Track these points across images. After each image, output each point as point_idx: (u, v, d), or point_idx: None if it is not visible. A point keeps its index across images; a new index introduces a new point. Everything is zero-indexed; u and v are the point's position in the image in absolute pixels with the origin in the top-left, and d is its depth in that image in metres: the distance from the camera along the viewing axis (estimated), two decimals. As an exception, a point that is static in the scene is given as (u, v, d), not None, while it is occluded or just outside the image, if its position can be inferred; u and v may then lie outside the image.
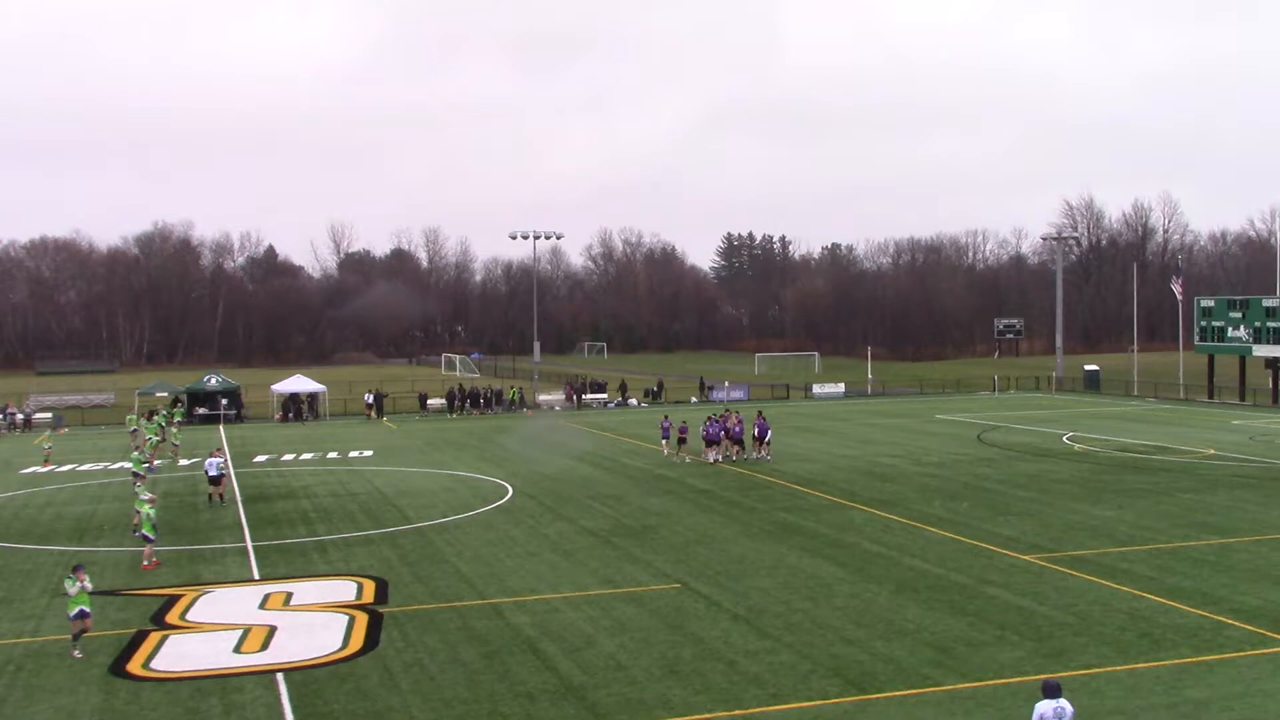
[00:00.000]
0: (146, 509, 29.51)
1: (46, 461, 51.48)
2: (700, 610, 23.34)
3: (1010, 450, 50.59)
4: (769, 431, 48.84)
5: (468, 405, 78.79)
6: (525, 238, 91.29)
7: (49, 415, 75.23)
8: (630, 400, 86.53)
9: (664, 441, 50.83)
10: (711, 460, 46.57)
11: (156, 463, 44.14)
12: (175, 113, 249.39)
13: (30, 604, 25.11)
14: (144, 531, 28.94)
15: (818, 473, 43.80)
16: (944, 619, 22.40)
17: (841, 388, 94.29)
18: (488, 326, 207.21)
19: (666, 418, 53.72)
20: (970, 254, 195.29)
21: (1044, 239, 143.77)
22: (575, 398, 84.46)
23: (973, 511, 34.40)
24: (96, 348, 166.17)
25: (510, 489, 40.61)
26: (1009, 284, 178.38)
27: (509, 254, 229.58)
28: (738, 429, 48.46)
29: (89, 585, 21.64)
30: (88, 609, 21.16)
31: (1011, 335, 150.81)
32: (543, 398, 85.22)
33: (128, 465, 50.33)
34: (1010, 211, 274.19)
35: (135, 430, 61.07)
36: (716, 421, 47.97)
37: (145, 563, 28.61)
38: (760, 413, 53.20)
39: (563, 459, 49.73)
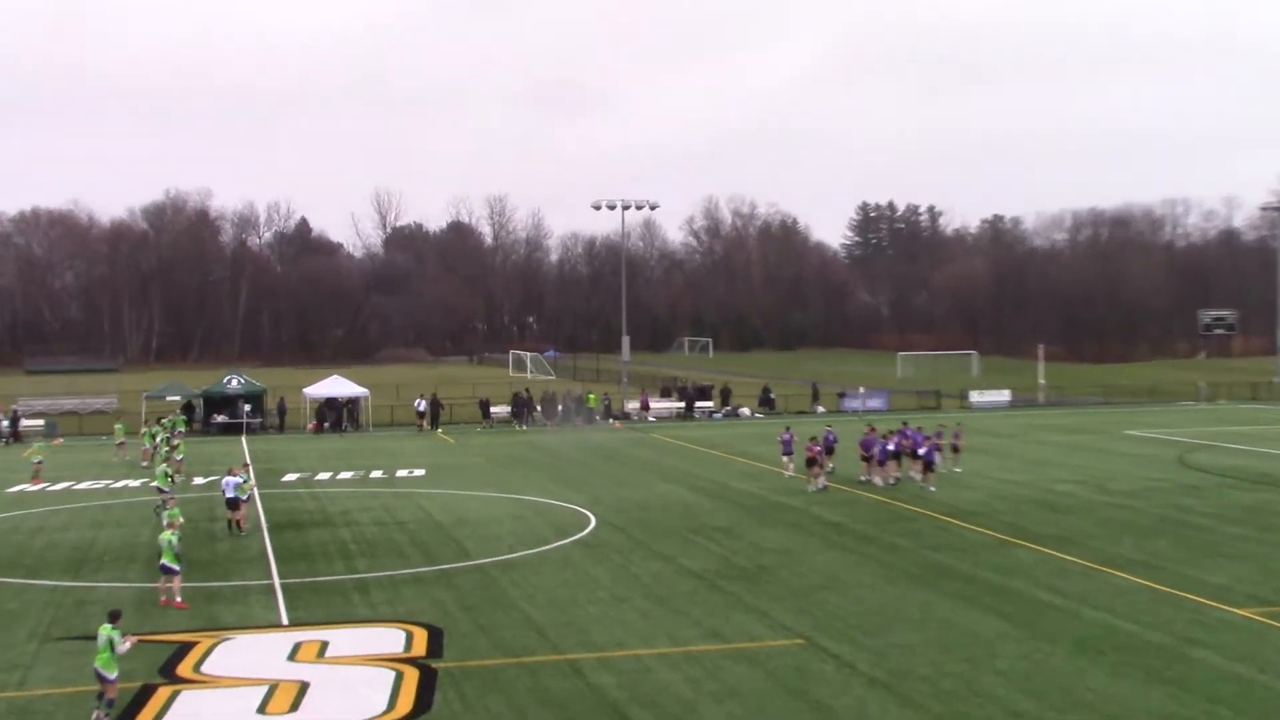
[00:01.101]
0: (166, 535, 29.99)
1: (36, 478, 52.72)
2: (828, 672, 23.19)
3: (1221, 475, 49.69)
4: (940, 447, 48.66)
5: (537, 413, 79.32)
6: (612, 208, 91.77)
7: (40, 423, 77.22)
8: (741, 410, 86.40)
9: (785, 460, 50.80)
10: (888, 482, 47.33)
11: (163, 486, 44.75)
12: (191, 65, 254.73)
13: (17, 650, 25.72)
14: (165, 561, 29.42)
15: (976, 502, 43.44)
16: (1136, 688, 22.00)
17: (1006, 395, 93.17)
18: (565, 318, 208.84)
19: (789, 429, 53.52)
20: (1169, 228, 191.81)
21: (1263, 209, 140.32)
22: (683, 406, 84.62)
23: (1172, 552, 33.83)
24: (97, 341, 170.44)
25: (593, 518, 40.79)
26: (1219, 266, 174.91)
27: (591, 228, 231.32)
28: (882, 448, 48.36)
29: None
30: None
31: (1222, 331, 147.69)
32: (632, 406, 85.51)
33: (132, 484, 51.47)
34: (1219, 176, 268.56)
35: (122, 443, 62.43)
36: (893, 437, 48.95)
37: (164, 598, 29.10)
38: (940, 431, 52.35)
39: (655, 480, 49.90)
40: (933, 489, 45.78)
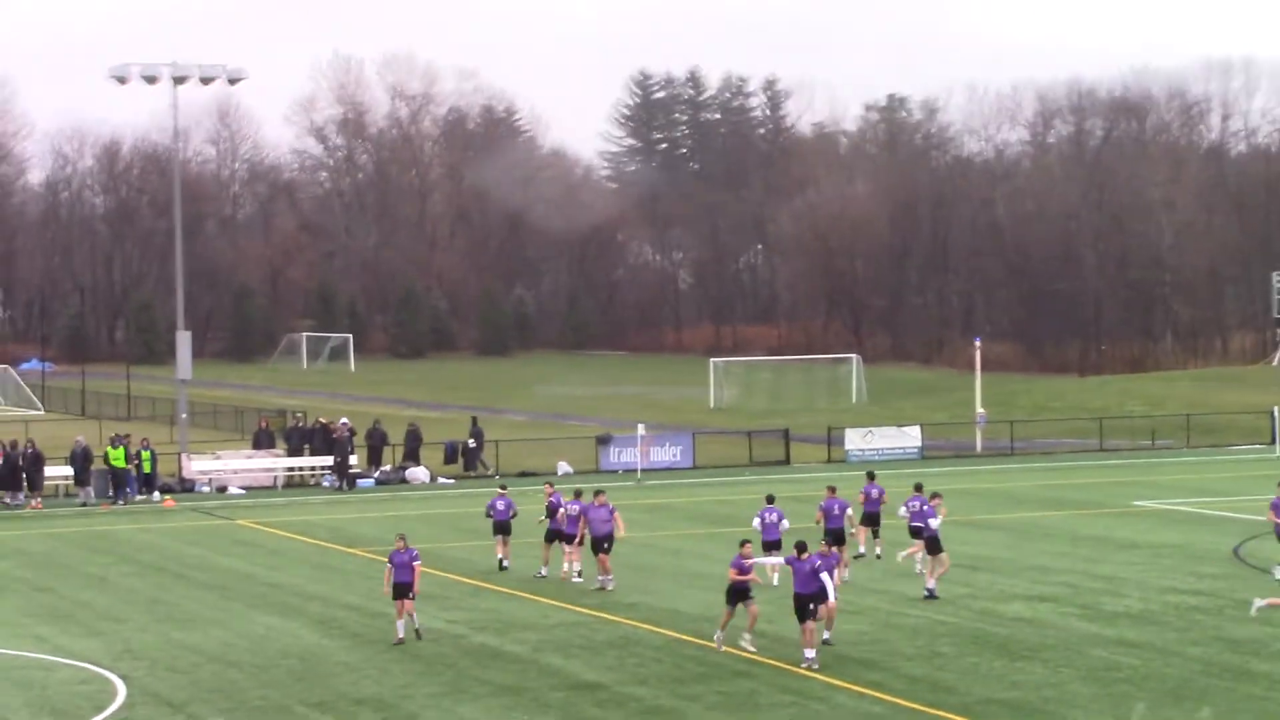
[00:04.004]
0: None
1: None
2: None
3: (1308, 583, 51.68)
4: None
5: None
6: (152, 81, 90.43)
7: None
8: (412, 471, 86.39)
9: (570, 550, 53.79)
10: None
11: None
12: None
13: None
14: None
15: (857, 638, 44.25)
16: None
17: (914, 435, 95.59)
18: (64, 298, 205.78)
19: (555, 491, 56.71)
20: (1216, 119, 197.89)
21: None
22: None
23: (1222, 727, 34.87)
24: None
25: (121, 686, 40.31)
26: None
27: (113, 121, 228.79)
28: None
29: None
30: None
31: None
32: (201, 466, 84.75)
33: None
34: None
35: None
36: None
37: None
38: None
39: (244, 609, 50.07)
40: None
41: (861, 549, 56.71)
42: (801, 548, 41.90)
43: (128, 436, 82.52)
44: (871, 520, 57.86)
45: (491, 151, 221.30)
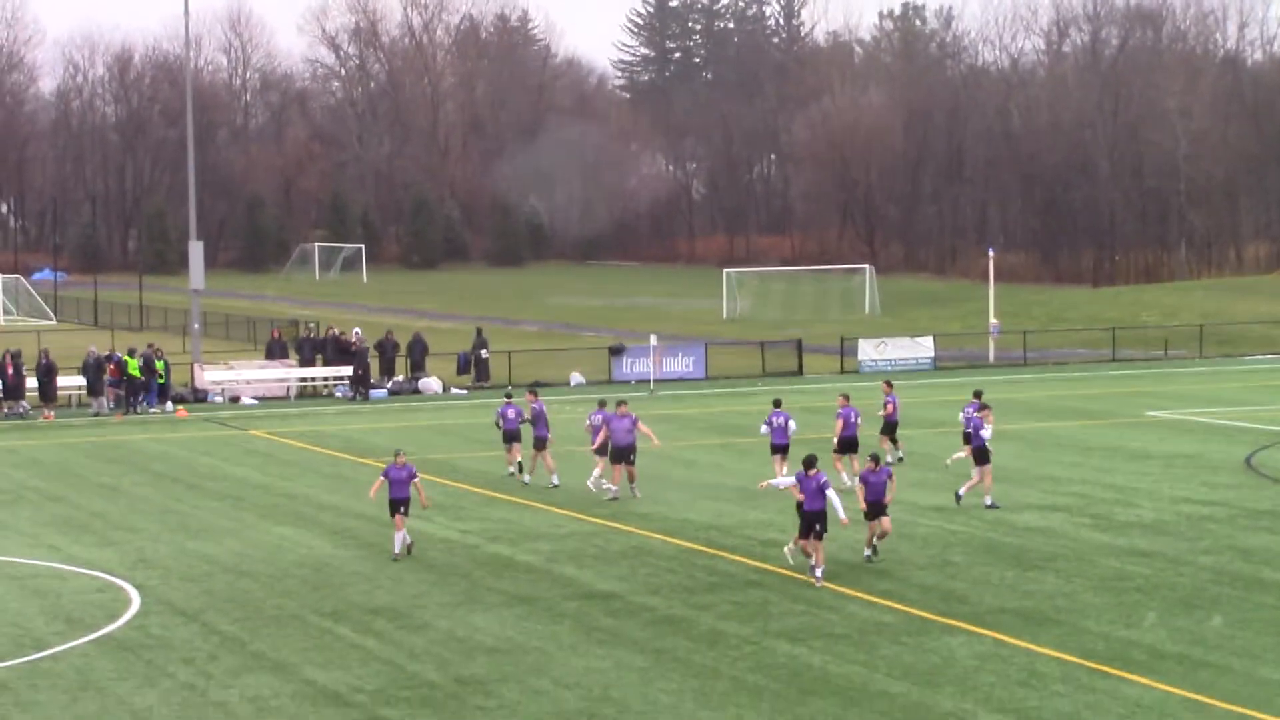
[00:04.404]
0: None
1: None
2: None
3: (1323, 493, 51.80)
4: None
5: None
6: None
7: None
8: (425, 381, 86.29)
9: (599, 459, 53.36)
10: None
11: None
12: None
13: None
14: None
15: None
16: None
17: (927, 345, 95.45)
18: (74, 207, 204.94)
19: (538, 399, 57.08)
20: (1234, 30, 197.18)
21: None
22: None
23: (1233, 639, 34.89)
24: None
25: (136, 596, 40.40)
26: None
27: (126, 30, 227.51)
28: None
29: None
30: None
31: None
32: (214, 376, 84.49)
33: None
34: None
35: None
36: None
37: None
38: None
39: (258, 519, 50.21)
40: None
41: (889, 458, 56.46)
42: (810, 463, 40.89)
43: (151, 346, 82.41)
44: (891, 429, 57.98)
45: (504, 54, 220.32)
